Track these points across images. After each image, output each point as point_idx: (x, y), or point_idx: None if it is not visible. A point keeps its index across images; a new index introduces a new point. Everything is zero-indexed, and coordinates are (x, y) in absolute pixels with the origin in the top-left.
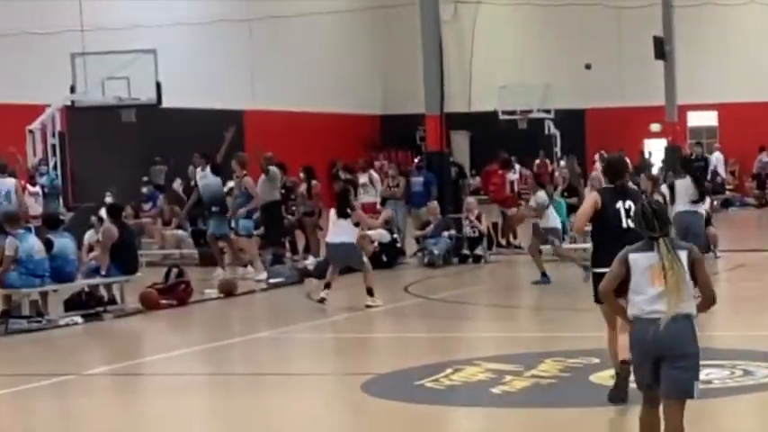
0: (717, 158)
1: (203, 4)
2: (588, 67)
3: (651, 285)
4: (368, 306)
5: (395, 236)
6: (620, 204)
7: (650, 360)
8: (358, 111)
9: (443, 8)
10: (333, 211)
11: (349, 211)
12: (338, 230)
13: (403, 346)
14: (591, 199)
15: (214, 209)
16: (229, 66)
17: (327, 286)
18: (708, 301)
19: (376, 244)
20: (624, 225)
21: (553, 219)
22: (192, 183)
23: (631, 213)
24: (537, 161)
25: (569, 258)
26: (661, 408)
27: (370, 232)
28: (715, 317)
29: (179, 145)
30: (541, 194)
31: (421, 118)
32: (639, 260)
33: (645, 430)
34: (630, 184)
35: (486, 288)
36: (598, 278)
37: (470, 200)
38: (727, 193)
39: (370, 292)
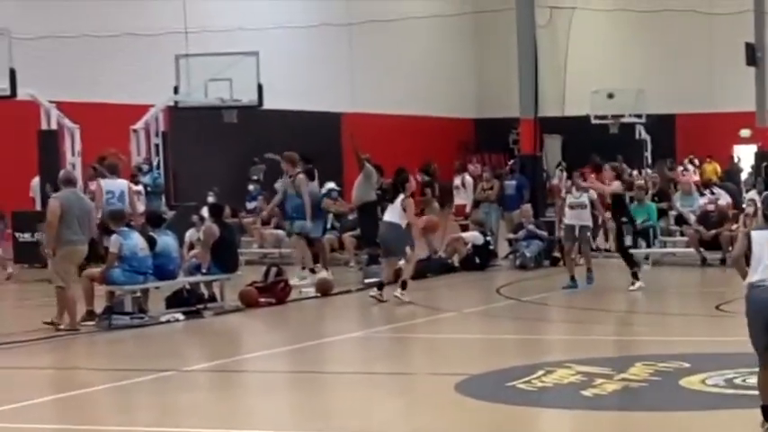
0: None
1: (304, 7)
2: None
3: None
4: (395, 297)
5: (488, 238)
6: None
7: (762, 323)
8: (453, 114)
9: (539, 13)
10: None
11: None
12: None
13: (495, 348)
14: None
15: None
16: (329, 69)
17: (380, 287)
18: None
19: (470, 246)
20: None
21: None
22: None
23: None
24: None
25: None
26: None
27: (463, 234)
28: None
29: (279, 146)
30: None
31: (515, 121)
32: (757, 237)
33: (764, 389)
34: None
35: (575, 291)
36: None
37: (558, 202)
38: None
39: (403, 285)
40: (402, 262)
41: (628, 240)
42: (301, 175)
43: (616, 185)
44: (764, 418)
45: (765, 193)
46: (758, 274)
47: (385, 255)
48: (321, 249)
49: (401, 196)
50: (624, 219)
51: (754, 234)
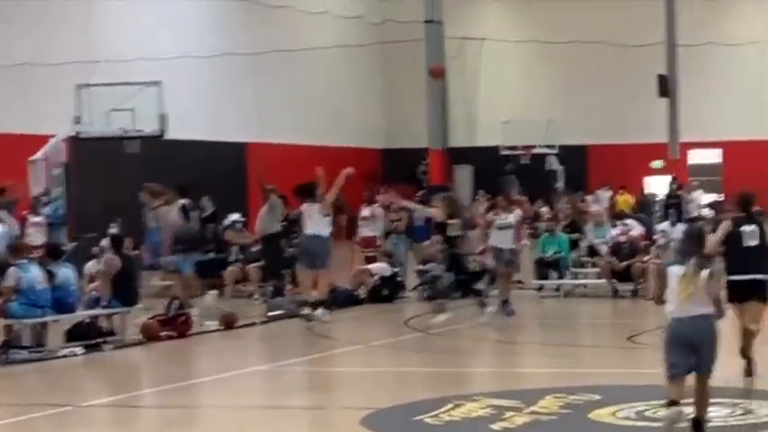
0: (696, 197)
1: (209, 37)
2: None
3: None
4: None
5: (396, 269)
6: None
7: (679, 346)
8: (361, 144)
9: (448, 44)
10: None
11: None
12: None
13: (403, 381)
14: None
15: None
16: (234, 98)
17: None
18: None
19: (377, 277)
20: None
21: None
22: (206, 214)
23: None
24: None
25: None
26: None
27: (370, 266)
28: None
29: (184, 176)
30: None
31: (424, 152)
32: (673, 271)
33: (672, 390)
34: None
35: (485, 323)
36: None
37: (473, 234)
38: None
39: (322, 304)
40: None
41: None
42: (163, 207)
43: (435, 211)
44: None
45: (685, 229)
46: (674, 307)
47: (309, 266)
48: (185, 285)
49: (316, 205)
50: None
51: (670, 270)
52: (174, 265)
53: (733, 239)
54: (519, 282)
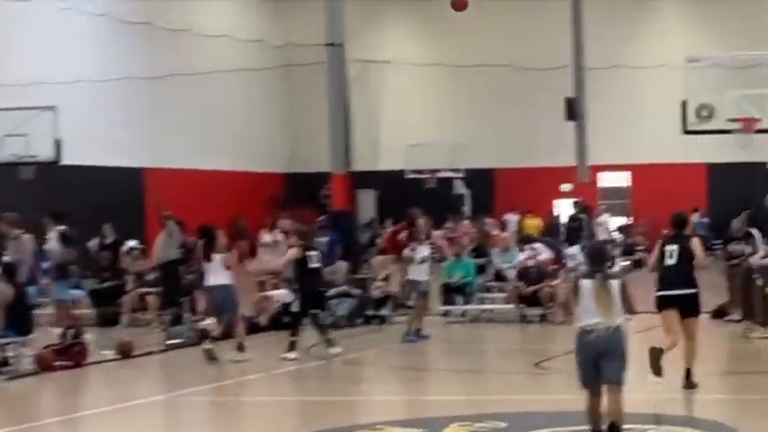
0: (604, 220)
1: (106, 60)
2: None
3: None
4: (235, 361)
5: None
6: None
7: (591, 358)
8: (263, 169)
9: (351, 67)
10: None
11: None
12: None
13: (305, 410)
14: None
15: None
16: (132, 123)
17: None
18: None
19: (278, 304)
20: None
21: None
22: (107, 241)
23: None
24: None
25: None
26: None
27: (272, 292)
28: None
29: (80, 202)
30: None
31: (327, 176)
32: (583, 284)
33: (592, 416)
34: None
35: (390, 349)
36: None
37: (377, 260)
38: (638, 254)
39: (240, 348)
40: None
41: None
42: (25, 236)
43: (291, 253)
44: None
45: (588, 246)
46: (586, 318)
47: (219, 314)
48: (64, 314)
49: (217, 256)
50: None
51: (582, 282)
52: (54, 293)
53: (659, 258)
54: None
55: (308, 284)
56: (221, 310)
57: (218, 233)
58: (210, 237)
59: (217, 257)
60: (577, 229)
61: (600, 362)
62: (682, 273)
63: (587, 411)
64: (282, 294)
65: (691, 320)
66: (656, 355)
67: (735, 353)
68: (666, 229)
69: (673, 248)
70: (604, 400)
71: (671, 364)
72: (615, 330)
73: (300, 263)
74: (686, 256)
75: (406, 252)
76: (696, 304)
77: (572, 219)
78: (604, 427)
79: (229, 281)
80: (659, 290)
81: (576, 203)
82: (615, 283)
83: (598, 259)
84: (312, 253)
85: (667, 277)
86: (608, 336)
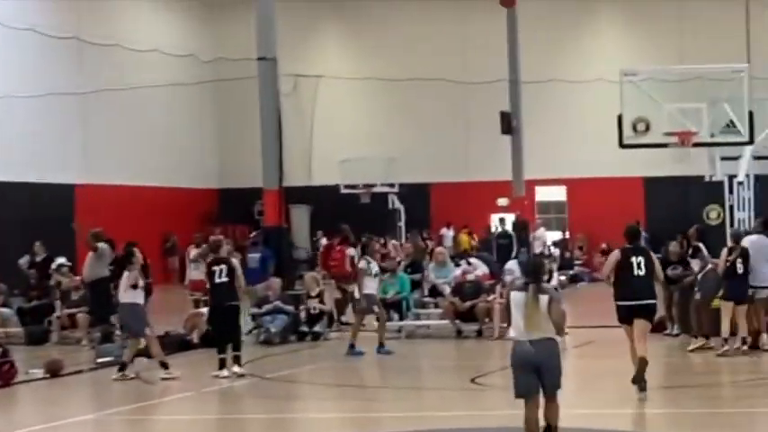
0: (540, 235)
1: (33, 76)
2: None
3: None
4: (164, 379)
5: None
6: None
7: (528, 369)
8: (194, 185)
9: (283, 81)
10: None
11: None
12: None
13: (236, 429)
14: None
15: None
16: (61, 139)
17: (123, 367)
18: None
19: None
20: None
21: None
22: (38, 259)
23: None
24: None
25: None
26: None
27: (204, 309)
28: (561, 394)
29: (10, 219)
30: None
31: (259, 192)
32: (514, 297)
33: (530, 426)
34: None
35: (324, 366)
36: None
37: (309, 276)
38: (576, 268)
39: (164, 365)
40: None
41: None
42: None
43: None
44: None
45: (523, 260)
46: (519, 331)
47: (123, 332)
48: None
49: (126, 273)
50: None
51: (512, 295)
52: None
53: (624, 269)
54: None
55: (213, 299)
56: (123, 328)
57: (134, 250)
58: (128, 254)
59: (125, 275)
60: (507, 246)
61: (534, 373)
62: (648, 283)
63: (525, 422)
64: None
65: (647, 324)
66: (642, 368)
67: (672, 366)
68: (605, 243)
69: (639, 260)
70: (541, 412)
71: (606, 379)
72: (548, 342)
73: (209, 277)
74: (650, 267)
75: (362, 264)
76: (655, 311)
77: (501, 235)
78: None
79: (133, 299)
80: (627, 299)
81: (502, 220)
82: (545, 298)
83: (533, 273)
84: (218, 267)
85: (636, 287)
86: (541, 347)
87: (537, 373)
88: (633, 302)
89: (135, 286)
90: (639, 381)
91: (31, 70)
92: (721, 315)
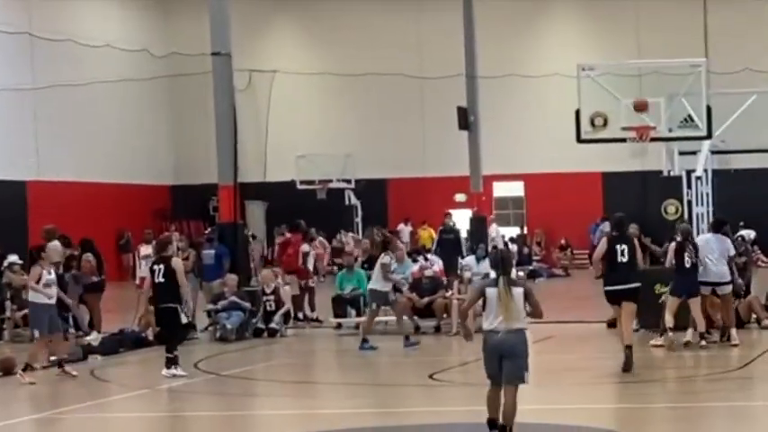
0: (494, 230)
1: None
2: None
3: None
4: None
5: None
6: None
7: (496, 357)
8: (148, 181)
9: (237, 77)
10: None
11: None
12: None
13: (192, 426)
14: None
15: None
16: (13, 135)
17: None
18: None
19: None
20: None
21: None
22: None
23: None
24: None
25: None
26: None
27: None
28: (521, 391)
29: None
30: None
31: (214, 188)
32: (489, 292)
33: (490, 404)
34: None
35: (281, 363)
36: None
37: (266, 272)
38: (534, 263)
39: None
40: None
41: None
42: None
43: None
44: (490, 430)
45: (491, 254)
46: (490, 322)
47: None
48: None
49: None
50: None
51: (488, 290)
52: None
53: (610, 255)
54: (317, 320)
55: (153, 299)
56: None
57: (48, 246)
58: (39, 249)
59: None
60: (452, 242)
61: (502, 361)
62: (632, 268)
63: (487, 399)
64: None
65: (633, 305)
66: (629, 356)
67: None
68: (564, 238)
69: (623, 248)
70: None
71: (565, 374)
72: (517, 332)
73: (150, 276)
74: (633, 254)
75: (385, 260)
76: (639, 293)
77: (445, 231)
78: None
79: (35, 299)
80: (614, 283)
81: (447, 215)
82: (519, 290)
83: (502, 266)
84: (157, 267)
85: (622, 273)
86: (510, 337)
87: (503, 363)
88: (619, 287)
89: (39, 283)
90: (629, 368)
91: None
92: (666, 308)
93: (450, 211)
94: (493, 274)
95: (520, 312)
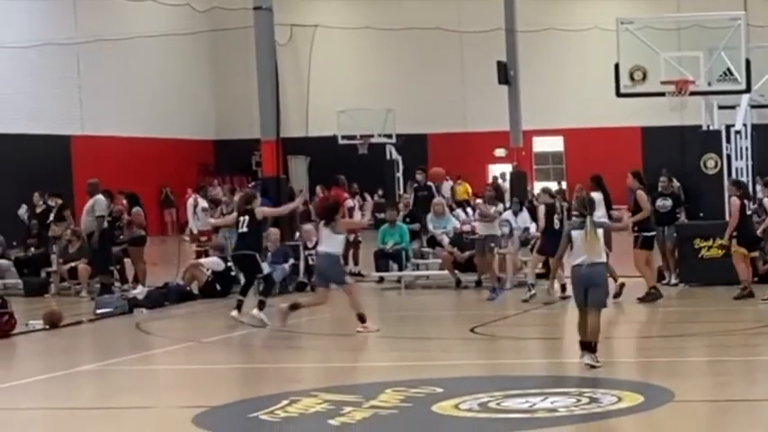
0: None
1: (29, 27)
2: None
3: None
4: (359, 332)
5: (229, 264)
6: None
7: (582, 290)
8: (191, 136)
9: (279, 32)
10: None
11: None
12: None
13: (238, 378)
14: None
15: None
16: (56, 90)
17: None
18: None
19: (209, 272)
20: None
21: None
22: (38, 210)
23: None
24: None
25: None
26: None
27: (203, 260)
28: (560, 343)
29: (6, 171)
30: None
31: (257, 143)
32: (575, 234)
33: (581, 329)
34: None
35: (324, 317)
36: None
37: (308, 227)
38: (573, 218)
39: (361, 319)
40: None
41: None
42: None
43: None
44: (582, 349)
45: (576, 198)
46: (577, 258)
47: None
48: None
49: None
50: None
51: (574, 233)
52: None
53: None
54: (360, 274)
55: (235, 248)
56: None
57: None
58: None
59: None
60: (427, 198)
61: (588, 290)
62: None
63: (578, 325)
64: (213, 262)
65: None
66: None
67: (667, 315)
68: None
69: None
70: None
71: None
72: (599, 266)
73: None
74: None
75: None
76: None
77: (419, 188)
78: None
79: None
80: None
81: (421, 170)
82: (600, 231)
83: (589, 209)
84: (242, 218)
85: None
86: (594, 270)
87: (588, 291)
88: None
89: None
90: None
91: (25, 22)
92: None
93: (422, 167)
94: (577, 217)
95: (601, 249)
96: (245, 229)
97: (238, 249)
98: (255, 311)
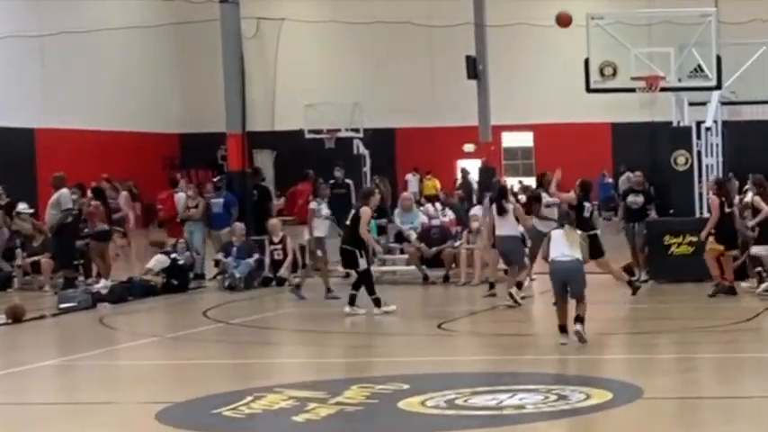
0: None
1: None
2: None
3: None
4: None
5: (173, 256)
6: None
7: (559, 283)
8: (157, 129)
9: (245, 25)
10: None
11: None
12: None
13: (201, 374)
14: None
15: None
16: (19, 82)
17: (519, 286)
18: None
19: (161, 274)
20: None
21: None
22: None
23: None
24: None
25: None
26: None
27: (149, 265)
28: (529, 339)
29: None
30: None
31: (223, 136)
32: (554, 234)
33: (560, 315)
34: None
35: (289, 312)
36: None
37: (273, 221)
38: None
39: (519, 286)
40: None
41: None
42: None
43: None
44: (561, 332)
45: (560, 210)
46: (554, 253)
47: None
48: None
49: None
50: None
51: (553, 233)
52: None
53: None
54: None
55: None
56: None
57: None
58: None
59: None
60: (343, 196)
61: (567, 284)
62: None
63: (558, 314)
64: (157, 262)
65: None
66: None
67: (636, 312)
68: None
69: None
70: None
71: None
72: (577, 261)
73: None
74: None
75: (313, 204)
76: None
77: (337, 185)
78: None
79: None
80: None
81: (338, 167)
82: (577, 233)
83: (566, 219)
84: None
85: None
86: (572, 265)
87: (568, 284)
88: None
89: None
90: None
91: None
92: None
93: (340, 163)
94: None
95: (578, 246)
96: (348, 223)
97: (342, 243)
98: (376, 310)
